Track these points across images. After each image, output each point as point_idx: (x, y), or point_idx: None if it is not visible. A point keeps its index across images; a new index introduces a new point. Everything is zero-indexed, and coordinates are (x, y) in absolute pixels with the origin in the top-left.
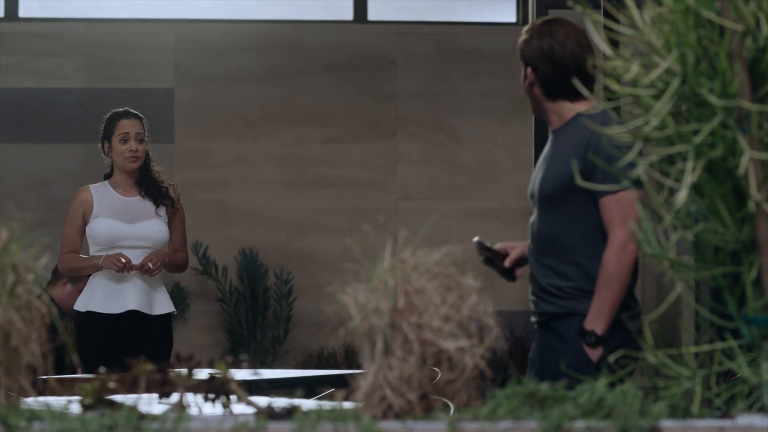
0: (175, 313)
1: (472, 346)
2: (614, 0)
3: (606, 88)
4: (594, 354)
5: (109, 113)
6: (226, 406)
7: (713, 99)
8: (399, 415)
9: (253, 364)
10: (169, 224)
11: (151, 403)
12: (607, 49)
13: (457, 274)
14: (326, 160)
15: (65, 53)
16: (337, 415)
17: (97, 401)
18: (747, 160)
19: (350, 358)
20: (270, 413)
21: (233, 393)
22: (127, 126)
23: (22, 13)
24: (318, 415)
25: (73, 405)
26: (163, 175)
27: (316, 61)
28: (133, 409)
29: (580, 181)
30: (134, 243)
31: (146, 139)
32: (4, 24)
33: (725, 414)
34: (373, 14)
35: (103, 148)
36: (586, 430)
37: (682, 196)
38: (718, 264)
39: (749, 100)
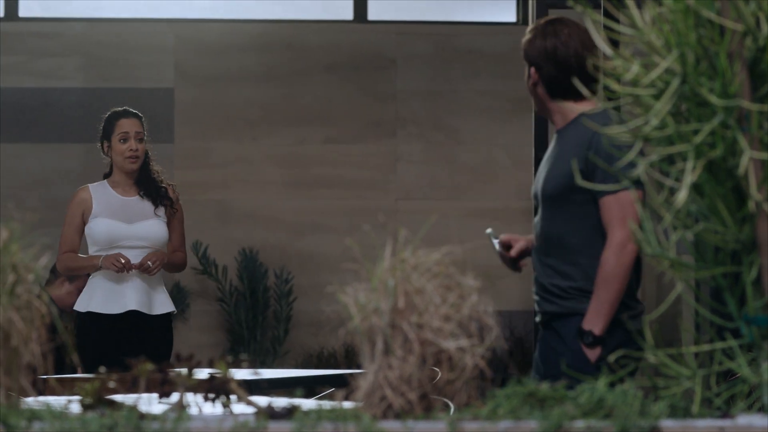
0: (175, 312)
1: (472, 346)
2: (614, 0)
3: (606, 88)
4: (592, 354)
5: (109, 112)
6: (226, 406)
7: (713, 99)
8: (399, 415)
9: (253, 364)
10: (168, 224)
11: (151, 403)
12: (607, 49)
13: (457, 274)
14: (326, 160)
15: (65, 53)
16: (337, 415)
17: (97, 401)
18: (747, 160)
19: (350, 358)
20: (270, 413)
21: (233, 393)
22: (126, 125)
23: (22, 13)
24: (318, 415)
25: (73, 405)
26: (162, 175)
27: (316, 61)
28: (133, 409)
29: (580, 181)
30: (133, 243)
31: (146, 138)
32: (4, 24)
33: (725, 414)
34: (373, 14)
35: (103, 148)
36: (586, 430)
37: (682, 196)
38: (718, 264)
39: (749, 99)
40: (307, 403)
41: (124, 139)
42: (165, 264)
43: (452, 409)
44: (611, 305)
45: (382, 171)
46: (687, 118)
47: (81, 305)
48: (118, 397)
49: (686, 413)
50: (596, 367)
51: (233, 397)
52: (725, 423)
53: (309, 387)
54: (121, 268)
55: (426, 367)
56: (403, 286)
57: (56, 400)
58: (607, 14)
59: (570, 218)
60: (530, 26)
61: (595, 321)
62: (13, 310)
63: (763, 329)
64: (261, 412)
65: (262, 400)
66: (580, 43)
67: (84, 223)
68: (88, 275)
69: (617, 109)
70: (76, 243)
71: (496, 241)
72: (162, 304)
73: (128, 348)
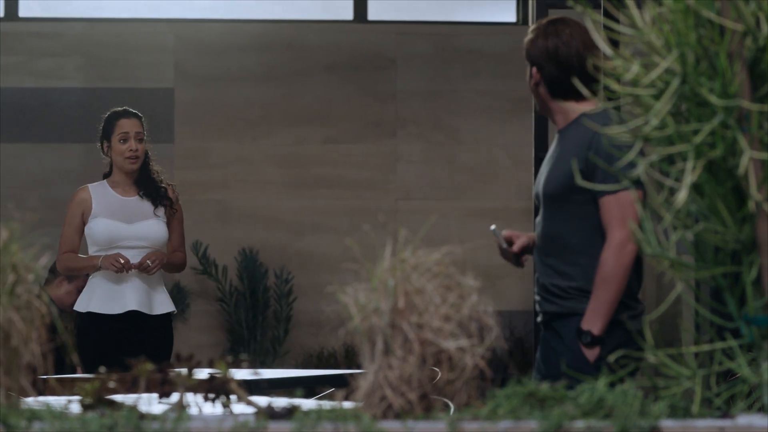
0: (175, 312)
1: (472, 346)
2: (614, 0)
3: (606, 88)
4: (590, 354)
5: (109, 112)
6: (226, 406)
7: (713, 99)
8: (399, 415)
9: (253, 364)
10: (168, 224)
11: (151, 403)
12: (607, 49)
13: (457, 274)
14: (326, 160)
15: (65, 53)
16: (337, 415)
17: (97, 401)
18: (747, 160)
19: (350, 358)
20: (270, 413)
21: (233, 393)
22: (126, 125)
23: (22, 13)
24: (318, 415)
25: (73, 405)
26: (162, 175)
27: (316, 61)
28: (133, 409)
29: (580, 181)
30: (133, 243)
31: (146, 138)
32: (4, 24)
33: (725, 414)
34: (373, 14)
35: (102, 148)
36: (586, 430)
37: (682, 196)
38: (718, 264)
39: (749, 100)
40: (307, 403)
41: (124, 140)
42: (165, 264)
43: (452, 409)
44: (610, 305)
45: (382, 171)
46: (687, 118)
47: (81, 305)
48: (118, 397)
49: (686, 413)
50: (595, 367)
51: (233, 397)
52: (725, 423)
53: (309, 387)
54: (120, 268)
55: (426, 367)
56: (403, 286)
57: (56, 400)
58: (607, 14)
59: (570, 218)
60: (532, 26)
61: (593, 321)
62: (13, 310)
63: (763, 329)
64: (261, 412)
65: (262, 400)
66: (582, 43)
67: (84, 223)
68: (88, 275)
69: (617, 109)
70: (76, 243)
71: (500, 237)
72: (162, 304)
73: (128, 348)
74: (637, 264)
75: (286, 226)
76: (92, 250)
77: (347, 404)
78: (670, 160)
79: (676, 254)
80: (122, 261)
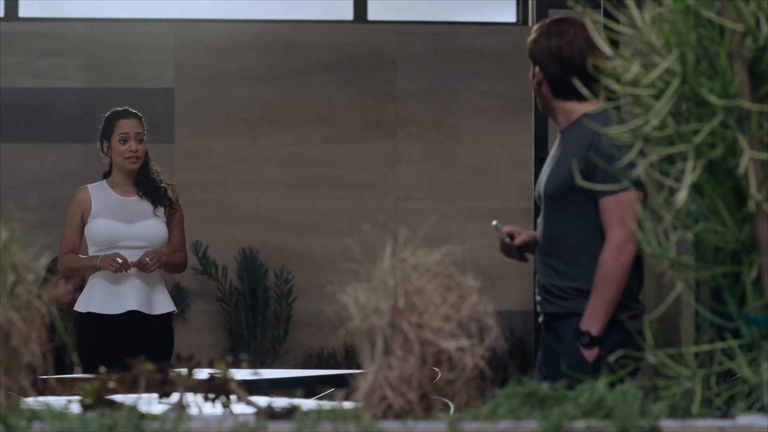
0: (176, 312)
1: (472, 346)
2: (614, 0)
3: (606, 88)
4: (589, 355)
5: (109, 112)
6: (226, 406)
7: (713, 99)
8: (399, 415)
9: (253, 364)
10: (168, 224)
11: (151, 403)
12: (607, 49)
13: (457, 274)
14: (326, 160)
15: (65, 53)
16: (337, 415)
17: (97, 401)
18: (747, 160)
19: (350, 358)
20: (270, 413)
21: (233, 393)
22: (126, 126)
23: (22, 13)
24: (318, 415)
25: (73, 405)
26: (161, 175)
27: (316, 61)
28: (133, 409)
29: (580, 181)
30: (132, 243)
31: (145, 138)
32: (4, 24)
33: (725, 414)
34: (373, 14)
35: (102, 148)
36: (586, 430)
37: (682, 196)
38: (718, 264)
39: (749, 100)
40: (307, 403)
41: (124, 140)
42: (165, 264)
43: (452, 409)
44: (609, 306)
45: (382, 171)
46: (687, 118)
47: (81, 306)
48: (118, 397)
49: (686, 413)
50: (594, 368)
51: (233, 397)
52: (725, 423)
53: (309, 387)
54: (118, 268)
55: (426, 367)
56: (403, 286)
57: (56, 400)
58: (607, 14)
59: (570, 218)
60: (536, 25)
61: (592, 321)
62: (13, 310)
63: (763, 329)
64: (261, 412)
65: (262, 400)
66: (585, 43)
67: (83, 223)
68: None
69: (617, 109)
70: (76, 244)
71: (502, 232)
72: (162, 303)
73: (128, 348)
74: (638, 265)
75: (286, 226)
76: (92, 251)
77: (347, 404)
78: (670, 160)
79: (676, 254)
80: (119, 261)
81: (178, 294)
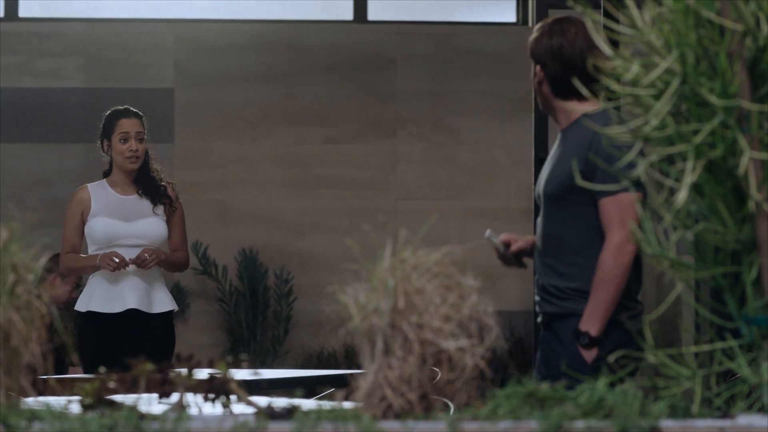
0: (176, 310)
1: (472, 346)
2: (614, 0)
3: (606, 88)
4: (588, 355)
5: (109, 111)
6: (226, 406)
7: (713, 99)
8: (399, 415)
9: (253, 364)
10: (168, 223)
11: (151, 403)
12: (607, 49)
13: (457, 274)
14: (326, 160)
15: (65, 53)
16: (337, 415)
17: (97, 401)
18: (747, 160)
19: (350, 358)
20: (270, 413)
21: (233, 393)
22: (127, 125)
23: (22, 13)
24: (318, 415)
25: (73, 405)
26: (161, 174)
27: (316, 61)
28: (133, 409)
29: (579, 181)
30: (132, 241)
31: (146, 137)
32: (4, 24)
33: (725, 414)
34: (373, 14)
35: (102, 146)
36: (586, 430)
37: (682, 196)
38: (718, 264)
39: (749, 100)
40: (307, 403)
41: (125, 139)
42: (165, 262)
43: (452, 409)
44: (608, 306)
45: (382, 171)
46: (687, 118)
47: (81, 305)
48: (118, 397)
49: (686, 413)
50: (593, 368)
51: (233, 397)
52: (725, 423)
53: (309, 387)
54: (116, 267)
55: (426, 367)
56: (403, 286)
57: (56, 400)
58: (607, 14)
59: (570, 219)
60: (538, 24)
61: (591, 322)
62: (13, 310)
63: (763, 329)
64: (261, 412)
65: (262, 400)
66: (587, 43)
67: (83, 222)
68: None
69: (617, 109)
70: (76, 243)
71: (497, 241)
72: (162, 302)
73: (129, 347)
74: (637, 265)
75: (286, 226)
76: (92, 249)
77: (347, 404)
78: (670, 160)
79: (676, 254)
80: (117, 259)
81: (178, 294)
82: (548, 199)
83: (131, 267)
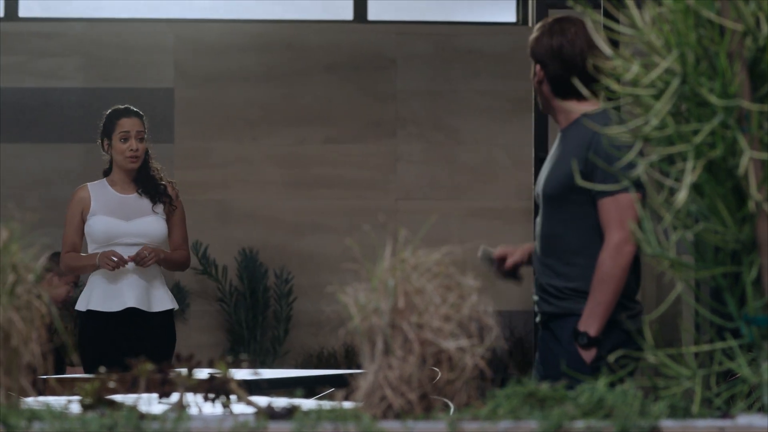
0: (176, 309)
1: (472, 346)
2: (614, 0)
3: (606, 88)
4: (587, 355)
5: (110, 110)
6: (226, 406)
7: (713, 99)
8: (399, 415)
9: (253, 364)
10: (168, 221)
11: (151, 403)
12: (607, 49)
13: (457, 274)
14: (326, 160)
15: (65, 53)
16: (337, 415)
17: (97, 401)
18: (747, 160)
19: (350, 358)
20: (270, 413)
21: (233, 393)
22: (127, 125)
23: (22, 13)
24: (318, 415)
25: (73, 405)
26: (161, 173)
27: (316, 61)
28: (133, 409)
29: (579, 181)
30: (131, 240)
31: (146, 136)
32: (4, 24)
33: (725, 414)
34: (373, 14)
35: (102, 145)
36: (586, 430)
37: (682, 196)
38: (718, 264)
39: (749, 100)
40: (307, 403)
41: (125, 139)
42: (165, 261)
43: (452, 409)
44: (607, 307)
45: (382, 171)
46: (687, 118)
47: (80, 304)
48: (118, 397)
49: (686, 413)
50: (592, 369)
51: (233, 397)
52: (725, 423)
53: (309, 387)
54: (114, 266)
55: (426, 367)
56: (403, 286)
57: (56, 400)
58: (607, 14)
59: (569, 218)
60: (538, 24)
61: (590, 322)
62: (13, 310)
63: (763, 329)
64: (261, 412)
65: (262, 400)
66: (587, 42)
67: (83, 221)
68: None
69: (617, 109)
70: (77, 243)
71: (490, 259)
72: (161, 301)
73: (129, 346)
74: (636, 265)
75: (286, 226)
76: (91, 248)
77: (347, 404)
78: (670, 160)
79: (676, 254)
80: (115, 258)
81: (178, 294)
82: (548, 199)
83: (130, 265)
